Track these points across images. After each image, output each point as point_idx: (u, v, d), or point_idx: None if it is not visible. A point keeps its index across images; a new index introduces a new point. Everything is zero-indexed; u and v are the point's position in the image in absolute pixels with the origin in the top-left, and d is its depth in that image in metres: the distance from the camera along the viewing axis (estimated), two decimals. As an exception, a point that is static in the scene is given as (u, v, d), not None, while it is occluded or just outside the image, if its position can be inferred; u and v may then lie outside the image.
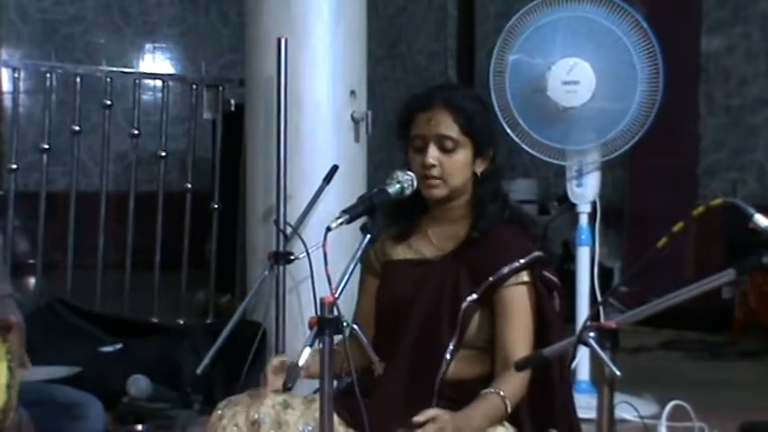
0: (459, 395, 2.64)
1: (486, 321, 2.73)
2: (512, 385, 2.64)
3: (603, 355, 2.03)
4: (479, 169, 2.79)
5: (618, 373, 2.01)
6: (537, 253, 2.75)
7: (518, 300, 2.72)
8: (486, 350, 2.75)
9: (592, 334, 2.05)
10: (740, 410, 4.20)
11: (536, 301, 2.73)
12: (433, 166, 2.73)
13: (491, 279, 2.72)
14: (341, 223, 2.45)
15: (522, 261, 2.72)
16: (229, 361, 4.13)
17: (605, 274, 6.79)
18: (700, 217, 1.99)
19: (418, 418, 2.46)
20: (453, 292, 2.74)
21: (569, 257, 5.29)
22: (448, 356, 2.69)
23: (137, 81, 6.06)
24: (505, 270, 2.71)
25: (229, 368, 4.20)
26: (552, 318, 2.74)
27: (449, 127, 2.74)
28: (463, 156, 2.75)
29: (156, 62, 10.85)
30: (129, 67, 9.65)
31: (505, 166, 2.97)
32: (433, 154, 2.73)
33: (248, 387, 2.87)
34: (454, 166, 2.74)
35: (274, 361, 2.77)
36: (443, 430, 2.47)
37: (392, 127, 2.87)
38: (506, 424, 2.64)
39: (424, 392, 2.66)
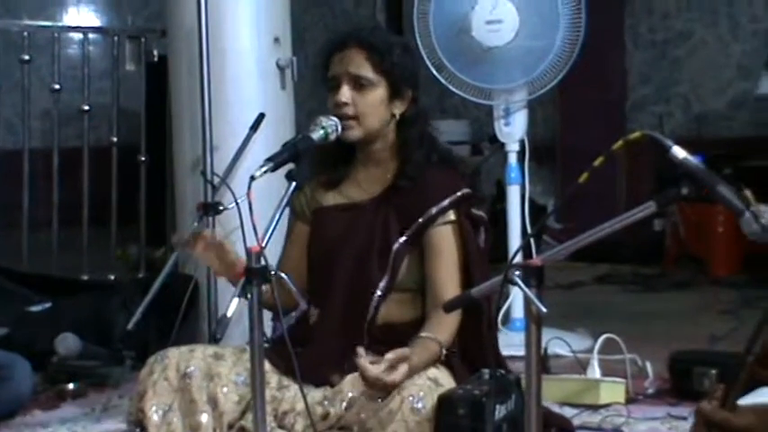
0: (391, 338, 2.63)
1: (417, 263, 2.74)
2: (445, 329, 2.66)
3: (530, 293, 2.02)
4: (398, 111, 2.76)
5: (544, 309, 2.01)
6: (464, 190, 2.74)
7: (445, 239, 2.72)
8: (417, 292, 2.75)
9: (517, 272, 2.05)
10: (671, 340, 4.26)
11: (462, 238, 2.73)
12: (346, 104, 2.70)
13: (420, 220, 2.72)
14: (265, 171, 2.42)
15: (448, 200, 2.72)
16: (162, 315, 4.09)
17: (539, 212, 6.84)
18: (619, 150, 1.99)
19: (389, 356, 2.43)
20: (383, 234, 2.74)
21: (502, 197, 5.31)
22: (377, 299, 2.69)
23: (56, 35, 5.95)
24: (434, 210, 2.72)
25: (162, 322, 4.16)
26: (475, 253, 2.74)
27: (361, 65, 2.71)
28: (378, 95, 2.73)
29: (81, 15, 10.64)
30: (51, 21, 9.47)
31: (431, 109, 2.95)
32: (345, 92, 2.71)
33: (182, 341, 2.84)
34: (367, 104, 2.71)
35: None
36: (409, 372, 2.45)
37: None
38: (439, 365, 2.65)
39: (356, 336, 2.65)
